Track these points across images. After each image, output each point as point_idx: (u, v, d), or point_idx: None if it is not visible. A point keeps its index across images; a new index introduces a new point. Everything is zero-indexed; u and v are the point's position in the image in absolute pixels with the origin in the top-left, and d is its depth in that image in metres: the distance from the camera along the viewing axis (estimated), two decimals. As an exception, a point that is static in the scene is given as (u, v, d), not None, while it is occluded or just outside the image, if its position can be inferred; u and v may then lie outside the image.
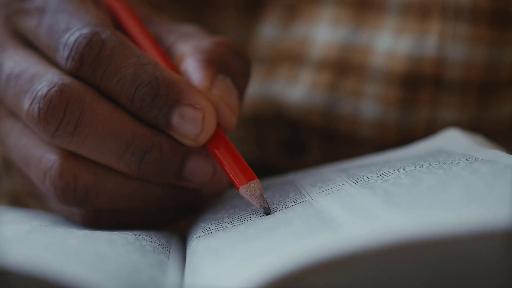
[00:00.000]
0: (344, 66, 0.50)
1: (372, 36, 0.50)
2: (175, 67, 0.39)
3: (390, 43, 0.49)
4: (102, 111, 0.36)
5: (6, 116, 0.40)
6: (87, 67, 0.36)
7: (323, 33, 0.51)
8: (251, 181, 0.36)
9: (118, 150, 0.37)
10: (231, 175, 0.36)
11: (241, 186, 0.36)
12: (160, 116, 0.36)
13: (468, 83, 0.49)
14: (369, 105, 0.49)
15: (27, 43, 0.40)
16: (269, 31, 0.52)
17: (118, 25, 0.41)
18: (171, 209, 0.40)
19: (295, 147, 0.52)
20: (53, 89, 0.36)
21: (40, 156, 0.38)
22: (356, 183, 0.36)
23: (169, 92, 0.36)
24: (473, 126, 0.49)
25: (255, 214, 0.36)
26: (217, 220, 0.37)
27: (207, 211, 0.40)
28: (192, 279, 0.31)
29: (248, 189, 0.36)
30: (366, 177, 0.36)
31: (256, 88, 0.52)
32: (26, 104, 0.37)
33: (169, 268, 0.33)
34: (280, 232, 0.32)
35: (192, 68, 0.38)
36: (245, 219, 0.36)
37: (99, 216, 0.39)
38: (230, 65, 0.38)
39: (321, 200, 0.35)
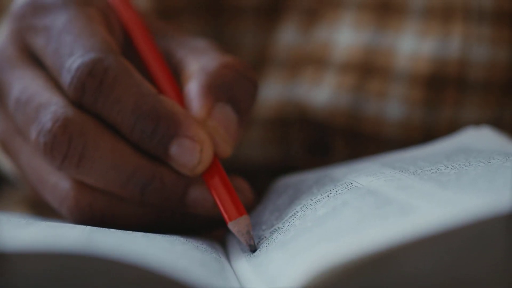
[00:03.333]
0: (368, 68, 0.51)
1: (395, 39, 0.51)
2: (178, 90, 0.40)
3: (413, 45, 0.50)
4: (104, 144, 0.37)
5: (17, 133, 0.41)
6: (89, 96, 0.37)
7: (345, 36, 0.52)
8: (239, 218, 0.37)
9: (121, 181, 0.37)
10: (221, 209, 0.37)
11: (229, 222, 0.37)
12: (159, 147, 0.37)
13: (490, 83, 0.50)
14: (393, 106, 0.50)
15: (36, 60, 0.40)
16: (289, 36, 0.53)
17: (128, 40, 0.42)
18: (186, 228, 0.40)
19: (320, 148, 0.52)
20: (57, 124, 0.37)
21: (55, 183, 0.39)
22: (394, 169, 0.36)
23: (168, 124, 0.37)
24: (495, 125, 0.50)
25: (299, 206, 0.37)
26: (268, 226, 0.37)
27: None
28: (258, 274, 0.31)
29: (236, 226, 0.37)
30: (403, 167, 0.37)
31: (279, 90, 0.52)
32: (33, 134, 0.38)
33: (225, 266, 0.34)
34: (342, 214, 0.32)
35: (193, 94, 0.39)
36: (293, 213, 0.36)
37: None
38: (234, 89, 0.39)
39: (365, 182, 0.35)
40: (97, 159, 0.37)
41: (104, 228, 0.36)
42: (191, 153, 0.37)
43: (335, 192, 0.36)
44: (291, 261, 0.30)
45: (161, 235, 0.37)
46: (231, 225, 0.37)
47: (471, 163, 0.36)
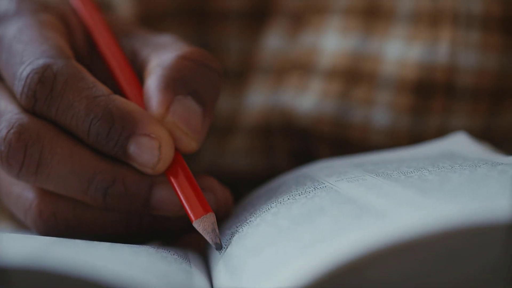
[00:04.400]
0: (354, 75, 0.50)
1: (382, 44, 0.50)
2: (141, 89, 0.39)
3: (400, 51, 0.49)
4: (61, 150, 0.36)
5: None
6: (42, 104, 0.36)
7: (332, 42, 0.51)
8: (205, 215, 0.36)
9: (82, 186, 0.37)
10: (186, 207, 0.36)
11: (194, 221, 0.36)
12: (117, 148, 0.36)
13: (479, 90, 0.49)
14: (380, 113, 0.49)
15: None
16: (275, 41, 0.52)
17: (93, 44, 0.41)
18: (157, 232, 0.39)
19: (305, 156, 0.51)
20: (11, 131, 0.36)
21: (18, 194, 0.38)
22: (378, 176, 0.36)
23: (123, 124, 0.36)
24: (484, 133, 0.49)
25: (275, 203, 0.36)
26: (240, 221, 0.37)
27: (227, 222, 0.39)
28: (233, 282, 0.30)
29: (201, 224, 0.36)
30: (386, 173, 0.36)
31: (264, 98, 0.51)
32: None
33: (195, 276, 0.33)
34: (318, 221, 0.31)
35: (151, 91, 0.38)
36: (267, 209, 0.36)
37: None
38: (194, 80, 0.38)
39: (345, 187, 0.34)
40: (55, 165, 0.36)
41: (69, 240, 0.35)
42: (149, 151, 0.36)
43: (313, 194, 0.35)
44: (266, 272, 0.29)
45: (128, 245, 0.36)
46: (196, 224, 0.36)
47: (455, 170, 0.35)
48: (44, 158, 0.36)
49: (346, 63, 0.50)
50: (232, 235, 0.36)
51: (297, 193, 0.36)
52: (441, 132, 0.49)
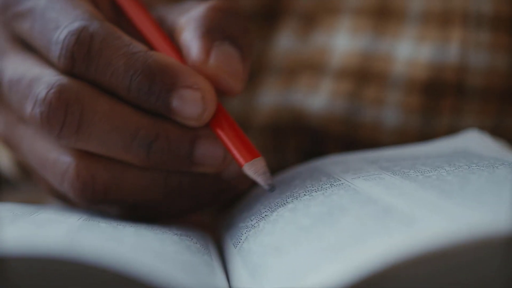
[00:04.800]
0: (364, 74, 0.50)
1: (392, 44, 0.50)
2: (176, 49, 0.39)
3: (411, 50, 0.50)
4: (102, 107, 0.36)
5: (18, 122, 0.40)
6: (80, 64, 0.36)
7: (343, 42, 0.51)
8: (255, 159, 0.36)
9: (124, 143, 0.36)
10: (234, 153, 0.36)
11: (245, 164, 0.35)
12: (160, 103, 0.36)
13: (489, 90, 0.49)
14: (390, 113, 0.50)
15: (27, 46, 0.40)
16: (286, 41, 0.52)
17: (120, 12, 0.41)
18: (194, 198, 0.39)
19: (316, 156, 0.51)
20: (51, 91, 0.36)
21: (55, 159, 0.38)
22: (394, 174, 0.35)
23: (164, 77, 0.36)
24: (494, 133, 0.49)
25: (291, 198, 0.36)
26: (255, 214, 0.36)
27: (241, 212, 0.39)
28: (255, 283, 0.30)
29: (252, 167, 0.35)
30: (403, 171, 0.36)
31: (275, 97, 0.52)
32: (28, 109, 0.37)
33: (216, 269, 0.33)
34: (341, 221, 0.31)
35: (188, 41, 0.38)
36: (283, 204, 0.35)
37: (126, 214, 0.39)
38: (227, 27, 0.38)
39: (363, 186, 0.34)
40: (96, 122, 0.36)
41: (94, 224, 0.34)
42: (193, 103, 0.36)
43: (330, 192, 0.34)
44: (293, 276, 0.29)
45: (153, 231, 0.35)
46: (246, 167, 0.35)
47: (474, 171, 0.35)
48: (86, 116, 0.36)
49: (356, 63, 0.50)
50: (248, 229, 0.35)
51: (313, 189, 0.36)
52: (451, 132, 0.49)
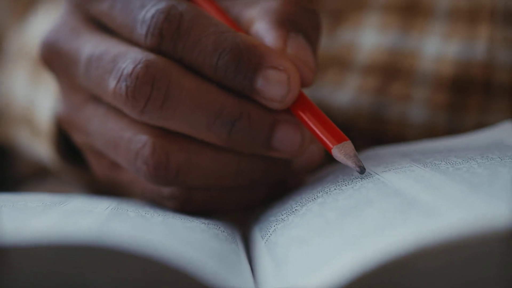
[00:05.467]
0: (391, 71, 0.50)
1: (419, 40, 0.50)
2: (248, 34, 0.39)
3: (438, 47, 0.50)
4: (189, 84, 0.36)
5: (86, 102, 0.40)
6: (168, 41, 0.36)
7: (370, 38, 0.51)
8: (344, 142, 0.35)
9: (208, 121, 0.36)
10: (321, 137, 0.36)
11: (334, 147, 0.35)
12: (246, 82, 0.36)
13: None
14: (417, 110, 0.50)
15: (101, 27, 0.40)
16: None
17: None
18: (262, 185, 0.39)
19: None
20: (139, 65, 0.36)
21: (130, 138, 0.38)
22: (425, 167, 0.35)
23: (251, 57, 0.36)
24: None
25: (321, 192, 0.36)
26: (286, 208, 0.37)
27: (272, 207, 0.39)
28: (278, 271, 0.31)
29: (342, 149, 0.35)
30: (434, 163, 0.36)
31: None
32: (112, 84, 0.37)
33: (242, 258, 0.33)
34: (365, 213, 0.31)
35: (263, 30, 0.38)
36: (313, 198, 0.35)
37: (191, 197, 0.39)
38: (300, 21, 0.38)
39: (393, 179, 0.34)
40: (182, 99, 0.36)
41: (122, 212, 0.35)
42: (278, 84, 0.36)
43: (360, 185, 0.34)
44: (312, 265, 0.29)
45: (181, 220, 0.36)
46: (336, 150, 0.35)
47: (506, 164, 0.35)
48: (172, 92, 0.36)
49: (383, 59, 0.50)
50: (277, 222, 0.35)
51: (343, 183, 0.36)
52: (478, 129, 0.49)
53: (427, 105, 0.49)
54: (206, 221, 0.37)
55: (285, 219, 0.35)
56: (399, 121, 0.50)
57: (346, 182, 0.36)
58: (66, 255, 0.26)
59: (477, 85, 0.49)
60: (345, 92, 0.51)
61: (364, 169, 0.35)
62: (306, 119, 0.36)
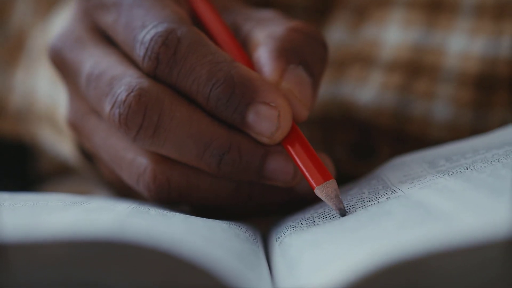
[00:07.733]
0: (415, 68, 0.50)
1: (444, 37, 0.50)
2: (249, 60, 0.39)
3: (463, 44, 0.49)
4: (180, 114, 0.36)
5: (90, 113, 0.40)
6: (164, 67, 0.36)
7: (394, 35, 0.51)
8: (327, 182, 0.35)
9: (197, 151, 0.37)
10: (306, 174, 0.36)
11: (316, 187, 0.35)
12: (236, 115, 0.36)
13: None
14: (441, 107, 0.49)
15: (106, 38, 0.40)
16: (337, 34, 0.52)
17: (195, 17, 0.41)
18: (263, 205, 0.39)
19: (364, 149, 0.51)
20: (132, 94, 0.36)
21: (132, 160, 0.38)
22: (449, 176, 0.35)
23: (244, 91, 0.36)
24: None
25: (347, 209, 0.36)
26: (307, 219, 0.36)
27: (293, 214, 0.39)
28: (290, 273, 0.30)
29: (324, 190, 0.35)
30: (459, 172, 0.35)
31: (324, 90, 0.52)
32: (107, 108, 0.37)
33: (262, 259, 0.33)
34: (383, 222, 0.31)
35: (264, 59, 0.38)
36: (337, 216, 0.35)
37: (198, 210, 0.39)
38: (304, 51, 0.38)
39: (418, 194, 0.34)
40: (173, 128, 0.36)
41: (143, 210, 0.35)
42: (268, 120, 0.36)
43: (384, 203, 0.34)
44: (323, 264, 0.29)
45: (203, 219, 0.36)
46: (318, 190, 0.35)
47: None
48: (163, 121, 0.36)
49: (407, 56, 0.50)
50: (295, 228, 0.35)
51: (369, 203, 0.35)
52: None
53: (451, 103, 0.49)
54: (228, 222, 0.37)
55: (304, 228, 0.35)
56: (423, 118, 0.49)
57: (372, 202, 0.35)
58: (83, 251, 0.26)
59: (502, 82, 0.48)
60: (368, 89, 0.50)
61: (345, 211, 0.35)
62: (294, 155, 0.36)
